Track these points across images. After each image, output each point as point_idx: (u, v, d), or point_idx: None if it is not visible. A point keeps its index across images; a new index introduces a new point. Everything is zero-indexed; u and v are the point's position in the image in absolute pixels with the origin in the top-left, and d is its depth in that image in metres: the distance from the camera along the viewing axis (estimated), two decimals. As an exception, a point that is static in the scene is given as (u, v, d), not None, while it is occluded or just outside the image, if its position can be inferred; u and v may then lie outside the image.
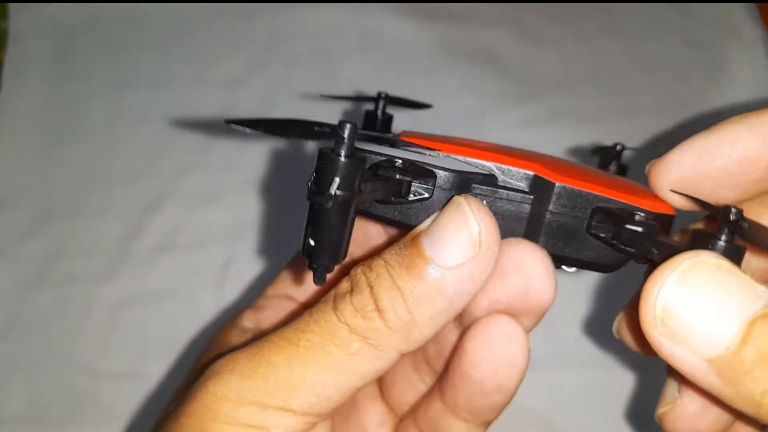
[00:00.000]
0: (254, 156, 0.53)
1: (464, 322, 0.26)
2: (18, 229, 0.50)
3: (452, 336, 0.27)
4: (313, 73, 0.56)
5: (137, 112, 0.55)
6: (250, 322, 0.32)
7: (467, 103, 0.54)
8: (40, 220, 0.50)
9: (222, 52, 0.57)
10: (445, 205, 0.22)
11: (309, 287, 0.33)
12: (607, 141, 0.53)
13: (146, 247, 0.49)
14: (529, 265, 0.23)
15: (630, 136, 0.53)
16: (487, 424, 0.27)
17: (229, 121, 0.20)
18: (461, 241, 0.20)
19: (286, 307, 0.32)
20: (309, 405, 0.21)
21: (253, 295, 0.48)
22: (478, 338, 0.24)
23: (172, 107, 0.55)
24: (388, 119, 0.30)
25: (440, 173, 0.22)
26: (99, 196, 0.51)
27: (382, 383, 0.32)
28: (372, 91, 0.55)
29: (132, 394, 0.45)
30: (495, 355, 0.23)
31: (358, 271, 0.22)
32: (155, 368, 0.46)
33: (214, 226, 0.50)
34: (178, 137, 0.54)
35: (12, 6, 0.58)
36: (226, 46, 0.57)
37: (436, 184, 0.22)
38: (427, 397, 0.28)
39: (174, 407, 0.24)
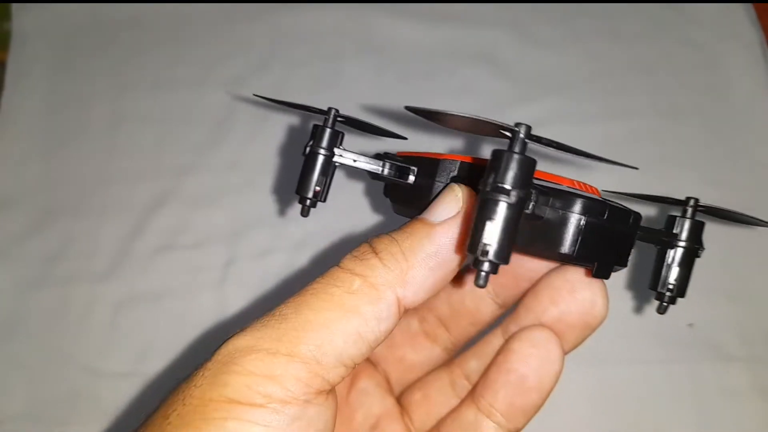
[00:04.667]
0: (255, 156, 0.53)
1: (509, 331, 0.30)
2: (20, 229, 0.50)
3: (494, 346, 0.31)
4: (314, 75, 0.56)
5: (139, 112, 0.55)
6: None
7: (467, 104, 0.55)
8: (42, 219, 0.51)
9: (223, 53, 0.57)
10: None
11: None
12: (606, 141, 0.54)
13: (147, 247, 0.50)
14: (595, 283, 0.28)
15: (628, 137, 0.53)
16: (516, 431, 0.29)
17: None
18: (448, 202, 0.24)
19: None
20: (315, 348, 0.22)
21: (254, 294, 0.49)
22: (525, 339, 0.29)
23: (173, 108, 0.55)
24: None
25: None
26: (101, 196, 0.52)
27: (406, 403, 0.33)
28: (372, 93, 0.56)
29: (133, 394, 0.45)
30: (540, 351, 0.28)
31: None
32: (156, 367, 0.46)
33: (215, 226, 0.50)
34: (179, 137, 0.54)
35: (14, 7, 0.58)
36: (228, 46, 0.57)
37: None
38: (457, 409, 0.30)
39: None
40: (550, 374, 0.28)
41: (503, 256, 0.21)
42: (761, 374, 0.45)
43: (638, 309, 0.47)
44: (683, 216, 0.27)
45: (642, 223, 0.27)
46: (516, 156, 0.21)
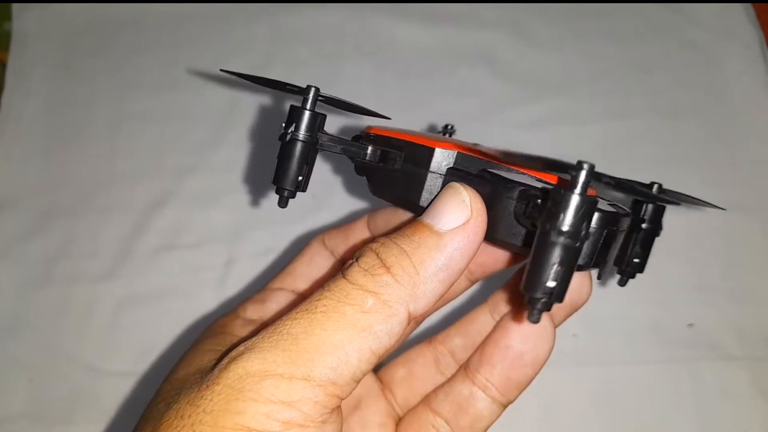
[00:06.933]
0: (256, 156, 0.53)
1: (498, 309, 0.31)
2: (21, 229, 0.50)
3: (484, 328, 0.31)
4: (314, 75, 0.56)
5: (139, 112, 0.55)
6: (254, 313, 0.32)
7: (467, 104, 0.55)
8: (43, 220, 0.51)
9: (223, 53, 0.57)
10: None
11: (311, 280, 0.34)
12: (605, 141, 0.54)
13: (149, 247, 0.50)
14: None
15: (627, 137, 0.53)
16: (507, 404, 0.30)
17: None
18: (455, 208, 0.24)
19: (289, 299, 0.33)
20: (331, 371, 0.21)
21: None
22: (521, 318, 0.29)
23: (173, 108, 0.55)
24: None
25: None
26: (102, 196, 0.52)
27: (387, 380, 0.33)
28: (372, 93, 0.56)
29: (134, 393, 0.45)
30: (537, 329, 0.28)
31: (362, 248, 0.24)
32: (157, 367, 0.46)
33: (215, 226, 0.51)
34: (179, 138, 0.54)
35: (15, 7, 0.58)
36: (228, 46, 0.58)
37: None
38: (449, 384, 0.31)
39: (171, 395, 0.24)
40: (545, 350, 0.29)
41: (563, 295, 0.21)
42: (761, 374, 0.45)
43: (638, 309, 0.47)
44: (647, 200, 0.28)
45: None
46: (582, 199, 0.20)
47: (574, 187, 0.20)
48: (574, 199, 0.20)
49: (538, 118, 0.54)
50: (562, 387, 0.45)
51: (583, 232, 0.21)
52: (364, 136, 0.28)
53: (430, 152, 0.26)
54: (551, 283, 0.21)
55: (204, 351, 0.28)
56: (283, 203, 0.25)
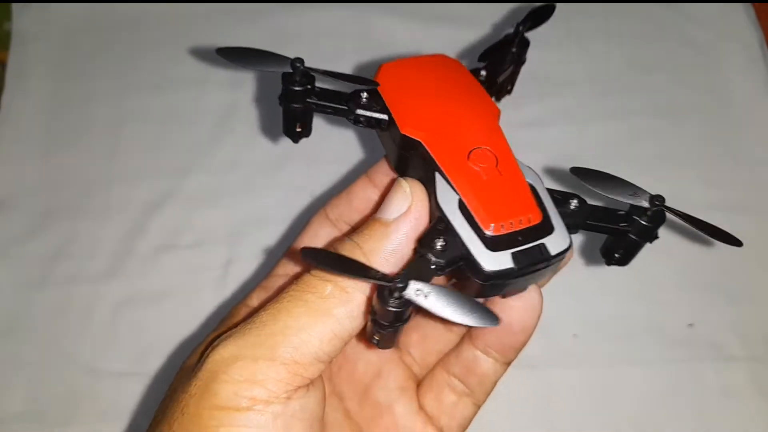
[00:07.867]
0: (255, 156, 0.53)
1: None
2: (20, 229, 0.50)
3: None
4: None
5: (139, 112, 0.55)
6: (257, 301, 0.33)
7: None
8: (42, 220, 0.51)
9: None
10: None
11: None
12: (605, 141, 0.54)
13: (148, 247, 0.50)
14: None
15: (628, 137, 0.53)
16: (509, 363, 0.32)
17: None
18: (398, 198, 0.26)
19: None
20: (294, 351, 0.24)
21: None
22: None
23: (173, 108, 0.55)
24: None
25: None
26: (101, 196, 0.52)
27: (403, 344, 0.35)
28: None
29: (133, 393, 0.45)
30: (524, 303, 0.30)
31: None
32: (156, 367, 0.46)
33: (215, 226, 0.51)
34: (179, 138, 0.54)
35: (14, 7, 0.59)
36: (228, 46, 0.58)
37: None
38: (457, 349, 0.33)
39: (177, 384, 0.26)
40: (533, 319, 0.30)
41: (389, 346, 0.25)
42: (761, 374, 0.45)
43: (638, 309, 0.47)
44: (643, 214, 0.28)
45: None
46: (392, 310, 0.23)
47: (386, 298, 0.22)
48: (382, 304, 0.22)
49: (538, 118, 0.54)
50: (562, 387, 0.45)
51: (389, 325, 0.23)
52: (354, 94, 0.29)
53: (400, 135, 0.28)
54: (376, 338, 0.25)
55: (209, 342, 0.30)
56: (295, 141, 0.31)
